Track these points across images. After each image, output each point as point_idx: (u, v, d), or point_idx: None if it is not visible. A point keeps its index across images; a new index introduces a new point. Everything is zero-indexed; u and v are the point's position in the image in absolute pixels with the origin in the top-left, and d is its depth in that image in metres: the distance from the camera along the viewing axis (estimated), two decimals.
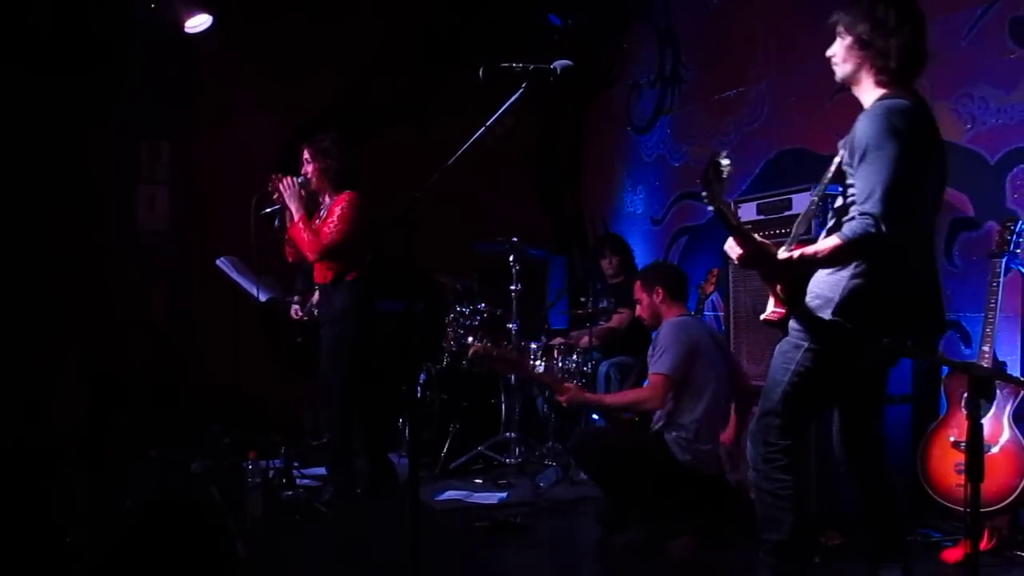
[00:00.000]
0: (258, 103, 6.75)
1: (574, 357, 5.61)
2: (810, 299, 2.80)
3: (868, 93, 2.87)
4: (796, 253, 2.77)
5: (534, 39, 6.90)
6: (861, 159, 2.69)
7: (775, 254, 2.81)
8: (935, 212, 2.93)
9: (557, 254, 7.52)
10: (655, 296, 4.30)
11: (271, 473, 4.86)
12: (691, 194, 6.40)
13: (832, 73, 2.77)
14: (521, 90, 2.87)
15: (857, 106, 2.89)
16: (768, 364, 4.33)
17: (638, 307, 4.46)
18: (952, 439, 3.76)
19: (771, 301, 2.95)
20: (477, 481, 5.30)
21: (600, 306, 5.86)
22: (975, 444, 2.24)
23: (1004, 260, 3.78)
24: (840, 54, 2.90)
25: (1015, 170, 4.14)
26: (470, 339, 5.87)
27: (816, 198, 3.08)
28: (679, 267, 4.85)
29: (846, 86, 2.95)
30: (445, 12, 7.16)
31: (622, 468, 4.05)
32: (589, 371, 5.60)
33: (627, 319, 5.76)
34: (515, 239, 5.71)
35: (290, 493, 4.84)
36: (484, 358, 4.34)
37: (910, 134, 2.68)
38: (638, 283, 4.44)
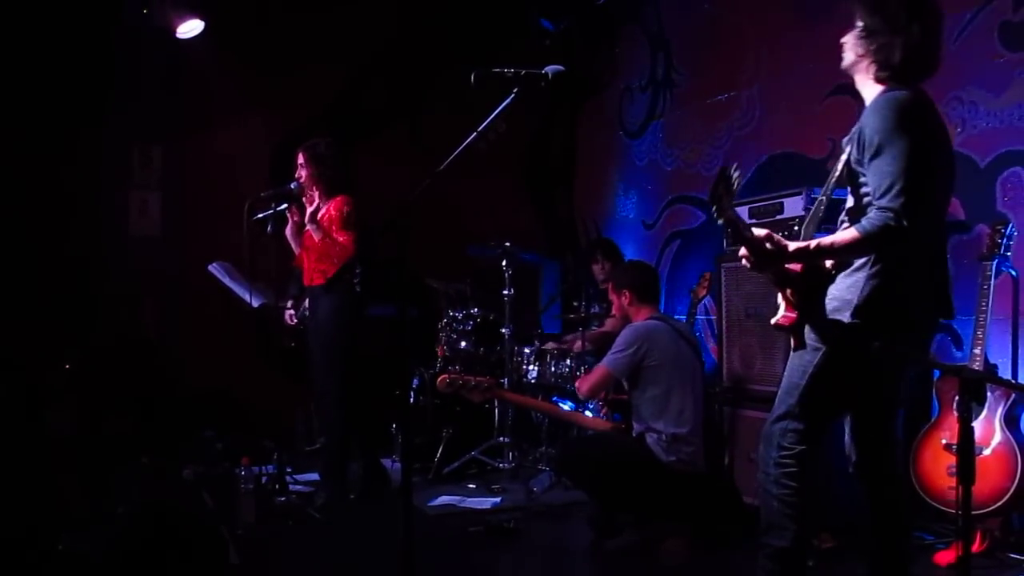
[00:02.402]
0: (250, 107, 6.75)
1: (567, 362, 5.61)
2: (827, 302, 2.78)
3: (867, 87, 2.85)
4: (813, 243, 2.74)
5: (526, 44, 6.92)
6: (874, 155, 2.66)
7: (787, 247, 2.75)
8: (946, 205, 2.92)
9: (550, 258, 7.53)
10: (623, 299, 4.37)
11: (264, 479, 4.86)
12: (683, 198, 6.41)
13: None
14: (513, 95, 2.87)
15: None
16: (760, 367, 4.38)
17: (613, 307, 4.52)
18: (944, 442, 3.76)
19: (782, 306, 2.91)
20: (471, 486, 5.30)
21: (592, 310, 5.87)
22: (966, 447, 2.25)
23: (995, 263, 3.79)
24: (849, 42, 2.87)
25: (1005, 173, 4.15)
26: (463, 343, 5.87)
27: (824, 198, 3.04)
28: (648, 266, 4.79)
29: (848, 74, 2.92)
30: (437, 17, 7.16)
31: (609, 476, 4.07)
32: (582, 376, 5.59)
33: (619, 324, 5.76)
34: (508, 243, 5.72)
35: (283, 499, 4.84)
36: (452, 386, 4.29)
37: (918, 125, 2.66)
38: (610, 284, 4.53)
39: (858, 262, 2.74)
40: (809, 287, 2.83)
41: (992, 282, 3.77)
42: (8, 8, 5.87)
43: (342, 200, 4.81)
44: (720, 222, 2.62)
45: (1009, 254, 3.83)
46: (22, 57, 6.02)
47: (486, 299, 6.05)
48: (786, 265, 2.83)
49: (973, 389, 2.34)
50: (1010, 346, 3.95)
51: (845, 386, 2.84)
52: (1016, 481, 3.55)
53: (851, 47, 2.86)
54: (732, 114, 5.89)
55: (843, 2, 4.72)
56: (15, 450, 5.19)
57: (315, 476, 5.14)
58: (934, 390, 3.94)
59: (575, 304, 5.99)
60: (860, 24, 2.83)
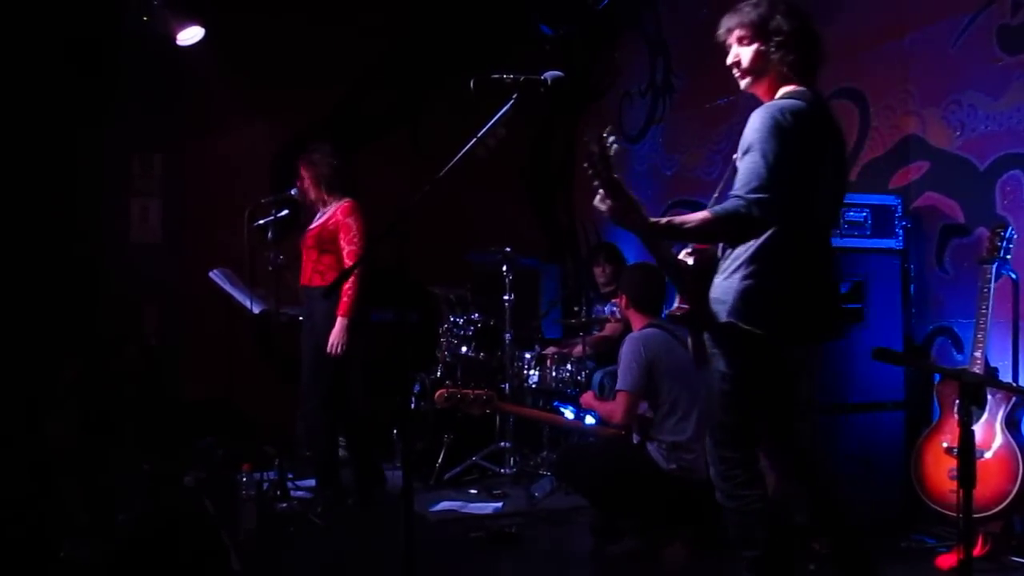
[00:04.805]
0: (251, 114, 6.76)
1: (568, 366, 5.61)
2: (711, 305, 2.83)
3: (769, 93, 2.94)
4: (664, 220, 2.82)
5: (526, 49, 6.93)
6: (744, 153, 2.76)
7: (646, 216, 2.82)
8: (832, 211, 2.99)
9: (550, 263, 7.53)
10: (621, 301, 4.38)
11: (265, 485, 4.84)
12: (683, 203, 6.41)
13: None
14: (512, 101, 2.88)
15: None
16: None
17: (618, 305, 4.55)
18: (945, 445, 3.76)
19: (678, 296, 2.99)
20: (472, 491, 5.29)
21: (594, 314, 5.87)
22: (967, 450, 2.25)
23: (995, 266, 3.80)
24: (736, 68, 2.98)
25: (1004, 176, 4.15)
26: (463, 349, 5.87)
27: (717, 195, 3.10)
28: (653, 271, 4.36)
29: (748, 91, 3.02)
30: (436, 23, 7.18)
31: (609, 483, 4.07)
32: (583, 380, 5.60)
33: (620, 328, 5.76)
34: (507, 249, 5.73)
35: (284, 505, 4.83)
36: (450, 401, 4.26)
37: (796, 131, 2.71)
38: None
39: (733, 266, 2.78)
40: (696, 278, 2.90)
41: (992, 285, 3.77)
42: (8, 16, 5.88)
43: (349, 206, 4.78)
44: (596, 184, 2.71)
45: (1009, 257, 3.83)
46: (23, 65, 6.03)
47: (487, 304, 6.05)
48: (679, 257, 2.97)
49: (973, 393, 2.34)
50: (1010, 349, 3.95)
51: (753, 384, 2.84)
52: (1017, 484, 3.55)
53: (741, 73, 2.98)
54: (731, 118, 5.88)
55: (841, 6, 4.75)
56: (17, 458, 5.20)
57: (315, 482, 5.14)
58: (935, 393, 3.95)
59: (575, 309, 6.00)
60: (738, 48, 2.95)
